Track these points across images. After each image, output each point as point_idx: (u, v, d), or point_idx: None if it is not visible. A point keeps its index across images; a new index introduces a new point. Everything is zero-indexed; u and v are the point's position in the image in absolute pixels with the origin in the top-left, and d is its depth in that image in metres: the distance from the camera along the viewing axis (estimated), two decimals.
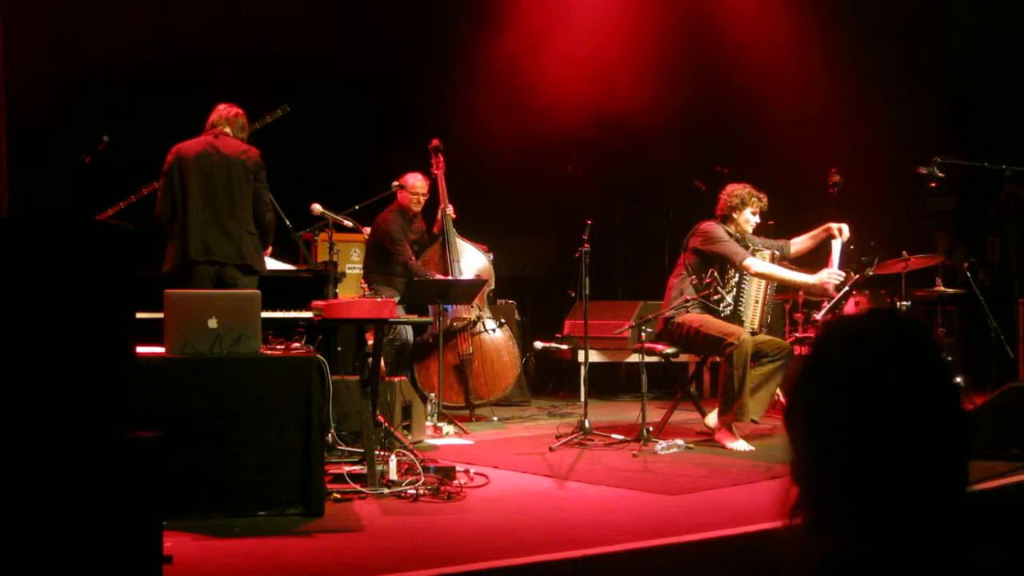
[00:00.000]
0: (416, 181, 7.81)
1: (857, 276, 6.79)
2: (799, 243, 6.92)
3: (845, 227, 6.69)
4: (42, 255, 3.35)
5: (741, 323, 6.59)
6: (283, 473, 4.49)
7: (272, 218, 6.15)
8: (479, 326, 7.82)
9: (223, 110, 6.14)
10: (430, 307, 7.55)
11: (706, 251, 6.61)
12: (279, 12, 9.00)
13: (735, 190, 6.73)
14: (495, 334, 7.87)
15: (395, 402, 6.36)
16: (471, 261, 7.95)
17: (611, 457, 6.09)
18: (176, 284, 5.65)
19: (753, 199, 6.70)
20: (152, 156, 6.85)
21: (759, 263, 6.61)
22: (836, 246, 6.70)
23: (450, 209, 7.88)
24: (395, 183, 7.73)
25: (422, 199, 7.85)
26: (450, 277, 7.67)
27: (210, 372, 4.48)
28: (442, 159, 7.99)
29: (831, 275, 6.53)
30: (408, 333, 7.64)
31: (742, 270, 6.59)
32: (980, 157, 7.57)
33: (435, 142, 8.03)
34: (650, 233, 10.63)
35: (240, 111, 6.18)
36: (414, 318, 7.14)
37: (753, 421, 6.44)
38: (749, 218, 6.72)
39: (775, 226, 7.48)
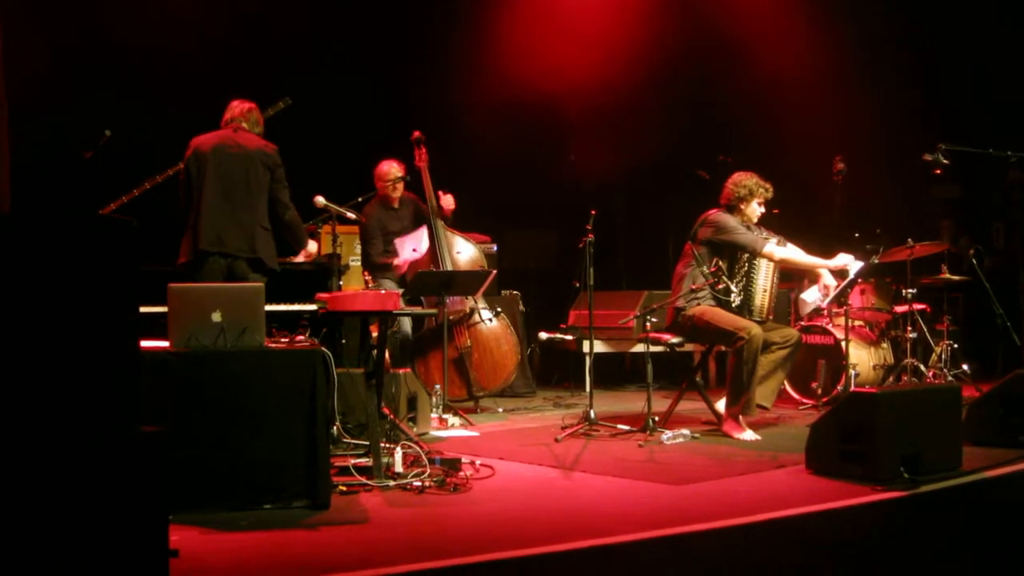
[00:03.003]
0: (381, 168, 7.70)
1: (863, 264, 6.77)
2: (803, 255, 6.83)
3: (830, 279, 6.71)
4: (45, 251, 3.35)
5: (751, 313, 6.58)
6: (288, 466, 4.48)
7: (293, 215, 6.12)
8: (475, 317, 7.78)
9: (237, 106, 6.14)
10: (423, 300, 7.50)
11: (719, 241, 6.57)
12: (280, 4, 9.00)
13: (742, 180, 6.69)
14: (491, 324, 7.83)
15: (400, 394, 6.35)
16: (462, 252, 7.87)
17: (617, 447, 6.08)
18: (188, 277, 5.65)
19: (760, 189, 6.67)
20: (154, 150, 6.85)
21: (781, 249, 6.61)
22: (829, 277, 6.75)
23: (449, 199, 7.77)
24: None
25: (397, 185, 7.70)
26: (441, 268, 7.61)
27: (214, 366, 4.47)
28: (425, 151, 7.84)
29: (848, 260, 6.63)
30: (407, 326, 7.61)
31: (765, 258, 6.57)
32: (985, 144, 7.54)
33: (416, 134, 7.87)
34: (654, 223, 10.62)
35: (253, 105, 6.19)
36: (416, 309, 7.12)
37: (762, 407, 6.45)
38: (756, 209, 6.70)
39: (780, 215, 7.46)
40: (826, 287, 6.80)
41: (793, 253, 6.69)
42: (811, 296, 7.18)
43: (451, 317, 7.68)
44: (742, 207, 6.68)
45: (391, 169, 7.72)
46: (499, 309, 7.94)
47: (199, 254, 5.84)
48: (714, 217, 6.68)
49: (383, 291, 6.90)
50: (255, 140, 6.08)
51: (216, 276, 5.79)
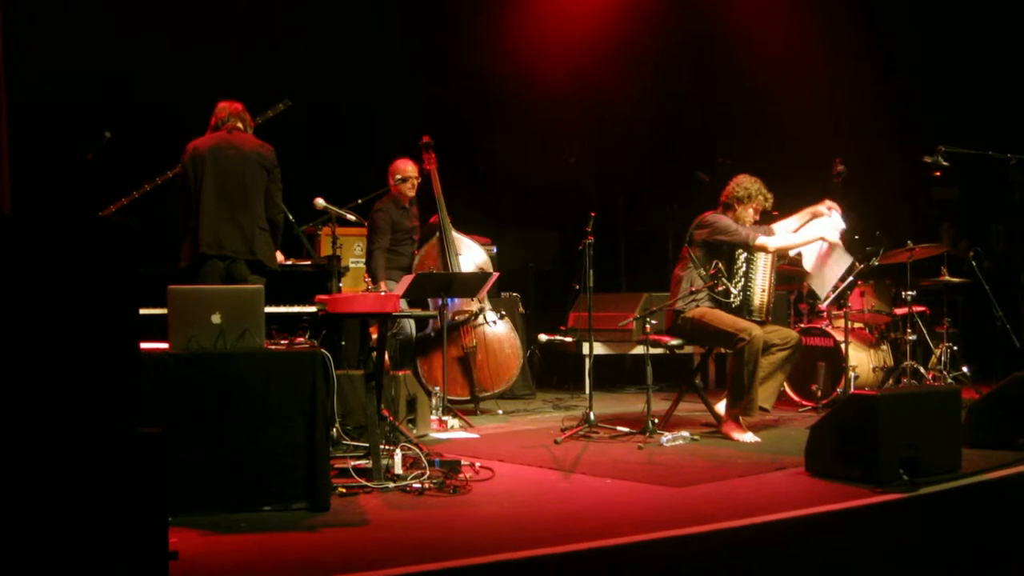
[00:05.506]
0: (396, 166, 7.76)
1: (862, 266, 6.77)
2: (787, 225, 6.87)
3: (835, 205, 6.70)
4: (45, 253, 3.35)
5: (750, 313, 6.58)
6: (288, 468, 4.48)
7: (282, 219, 6.15)
8: (481, 318, 7.82)
9: (228, 107, 6.13)
10: (430, 301, 7.53)
11: (715, 242, 6.58)
12: (282, 5, 9.00)
13: (744, 182, 6.70)
14: (496, 326, 7.87)
15: (400, 396, 6.35)
16: (470, 255, 7.92)
17: (616, 449, 6.08)
18: (188, 280, 5.65)
19: (760, 197, 6.68)
20: (154, 151, 6.85)
21: (773, 239, 6.63)
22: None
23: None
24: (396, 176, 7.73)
25: (414, 182, 7.77)
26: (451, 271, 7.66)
27: (214, 367, 4.47)
28: (433, 155, 7.96)
29: (830, 224, 6.65)
30: (411, 327, 7.63)
31: (760, 250, 6.58)
32: (984, 146, 7.54)
33: (425, 139, 8.00)
34: (653, 225, 10.62)
35: (242, 106, 6.19)
36: (416, 312, 7.13)
37: (763, 409, 6.45)
38: (750, 214, 6.71)
39: (779, 217, 7.46)
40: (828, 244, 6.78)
41: (785, 239, 6.71)
42: (824, 280, 7.09)
43: (457, 317, 7.73)
44: (737, 208, 6.69)
45: (407, 168, 7.77)
46: (504, 312, 7.98)
47: (199, 257, 5.84)
48: (709, 219, 6.69)
49: (383, 292, 6.92)
50: (251, 140, 6.08)
51: (215, 278, 5.79)
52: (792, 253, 6.92)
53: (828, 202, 6.75)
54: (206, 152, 5.95)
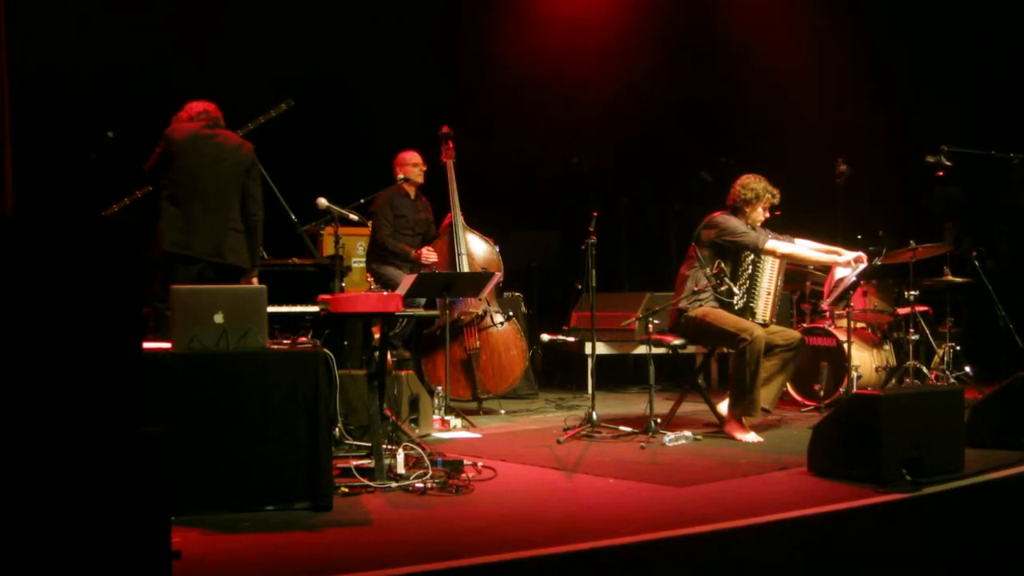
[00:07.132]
0: (403, 155, 7.78)
1: (865, 266, 6.77)
2: (808, 249, 6.82)
3: (864, 259, 6.65)
4: (47, 254, 3.35)
5: (754, 315, 6.58)
6: (291, 468, 4.49)
7: (261, 217, 6.12)
8: (487, 320, 7.81)
9: (204, 105, 6.09)
10: (437, 300, 7.53)
11: (723, 243, 6.56)
12: (284, 4, 9.01)
13: (750, 183, 6.66)
14: (502, 327, 7.85)
15: (402, 396, 6.35)
16: (479, 253, 7.91)
17: (619, 449, 6.08)
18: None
19: (767, 195, 6.65)
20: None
21: (784, 245, 6.60)
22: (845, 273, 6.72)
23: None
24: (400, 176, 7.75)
25: (422, 168, 7.78)
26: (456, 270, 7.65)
27: (216, 367, 4.48)
28: (452, 146, 7.94)
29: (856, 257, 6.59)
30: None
31: (768, 254, 6.56)
32: (988, 145, 7.53)
33: (445, 128, 8.00)
34: (656, 225, 10.62)
35: (215, 106, 6.16)
36: (420, 311, 7.12)
37: (765, 411, 6.45)
38: (760, 213, 6.69)
39: (782, 217, 7.46)
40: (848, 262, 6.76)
41: (799, 248, 6.67)
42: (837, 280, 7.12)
43: (462, 318, 7.71)
44: (747, 210, 6.67)
45: (413, 156, 7.78)
46: (511, 313, 7.96)
47: (167, 256, 5.82)
48: (718, 219, 6.67)
49: (385, 292, 6.92)
50: (233, 138, 6.07)
51: (185, 279, 5.77)
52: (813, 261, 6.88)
53: (861, 255, 6.67)
54: (187, 143, 5.92)
